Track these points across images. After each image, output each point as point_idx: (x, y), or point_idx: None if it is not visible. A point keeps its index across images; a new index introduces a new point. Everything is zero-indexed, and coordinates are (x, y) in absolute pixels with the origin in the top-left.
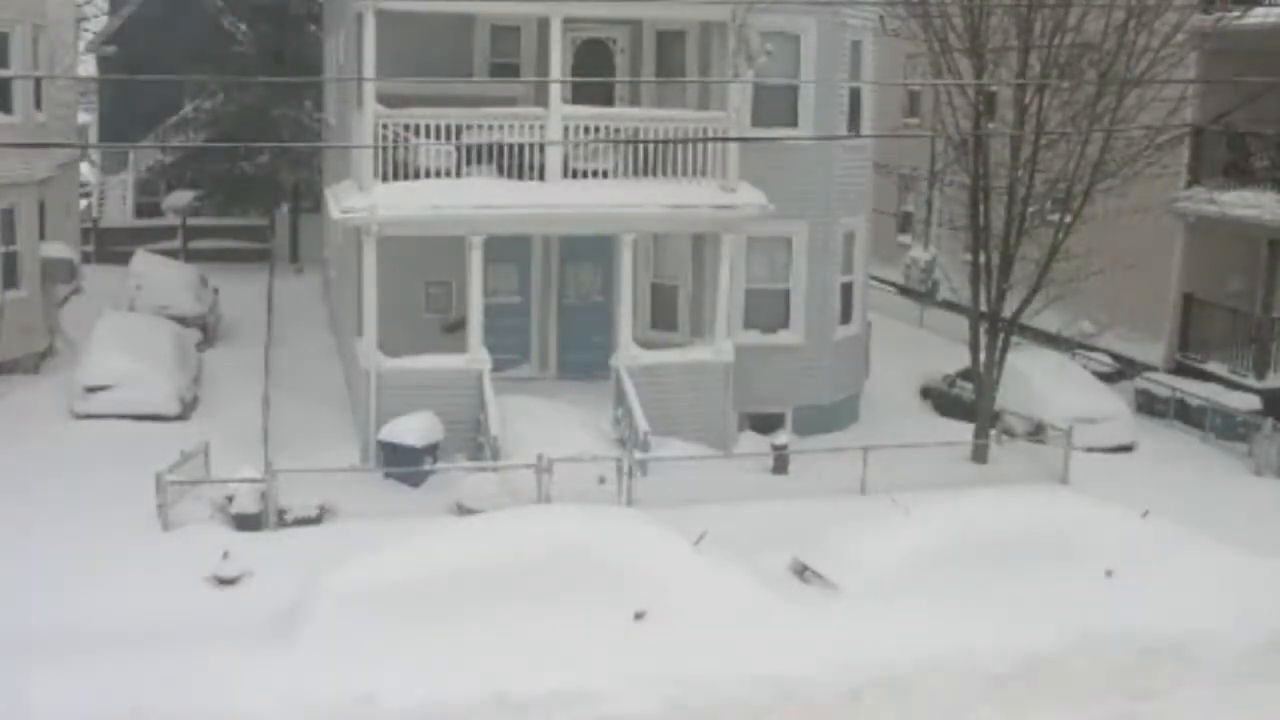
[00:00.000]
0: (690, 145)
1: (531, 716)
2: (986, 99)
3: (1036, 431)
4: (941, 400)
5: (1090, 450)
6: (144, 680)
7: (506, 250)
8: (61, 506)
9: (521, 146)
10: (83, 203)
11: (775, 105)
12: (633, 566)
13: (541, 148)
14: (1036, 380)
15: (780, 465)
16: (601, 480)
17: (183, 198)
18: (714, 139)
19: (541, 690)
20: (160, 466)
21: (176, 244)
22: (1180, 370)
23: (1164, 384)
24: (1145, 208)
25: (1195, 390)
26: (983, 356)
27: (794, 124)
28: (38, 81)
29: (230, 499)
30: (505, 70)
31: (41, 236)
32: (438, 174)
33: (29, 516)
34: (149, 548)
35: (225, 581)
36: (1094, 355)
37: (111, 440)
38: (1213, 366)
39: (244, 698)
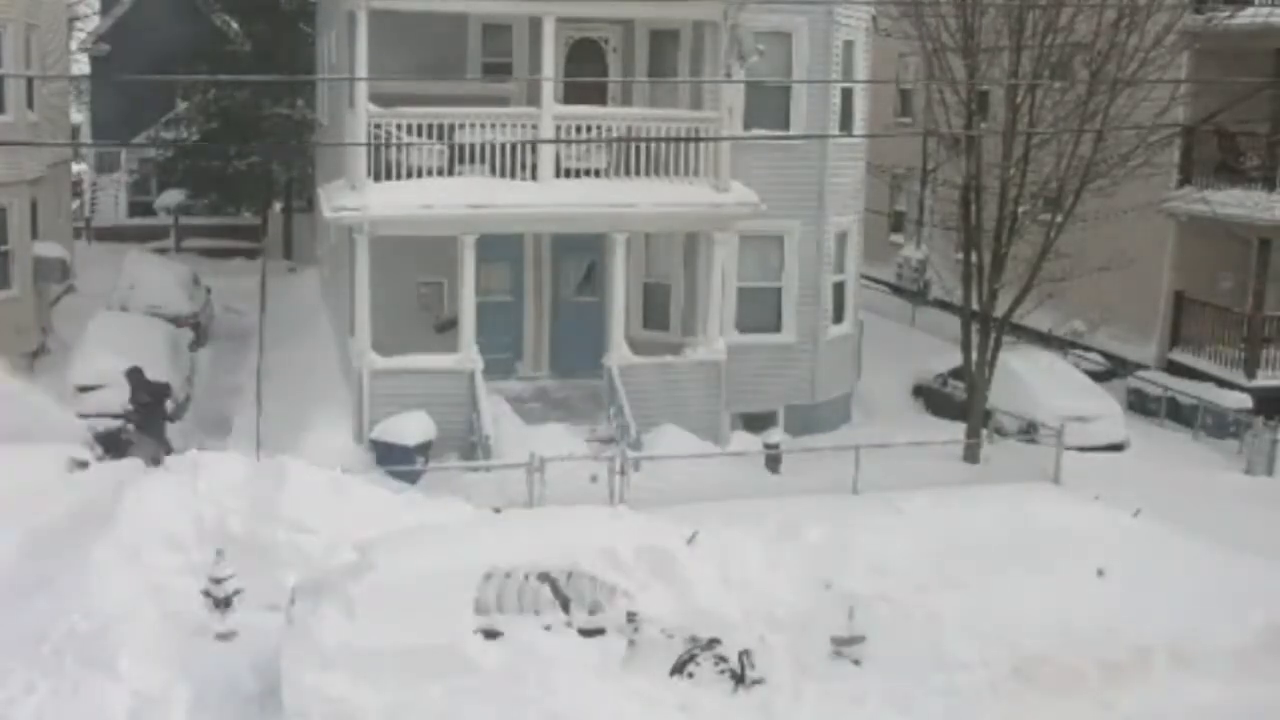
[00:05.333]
0: (682, 144)
1: None
2: (979, 98)
3: (1028, 430)
4: (933, 399)
5: (1082, 449)
6: None
7: (499, 249)
8: None
9: (514, 145)
10: (75, 202)
11: (767, 104)
12: (632, 566)
13: (534, 147)
14: (1028, 379)
15: (772, 464)
16: (593, 479)
17: (175, 196)
18: (706, 138)
19: None
20: None
21: (169, 243)
22: (1171, 369)
23: (1155, 383)
24: (1136, 207)
25: (1186, 389)
26: (974, 356)
27: (786, 123)
28: (30, 81)
29: None
30: (498, 69)
31: (33, 236)
32: (430, 173)
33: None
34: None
35: (218, 581)
36: (1085, 354)
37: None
38: (1204, 365)
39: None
